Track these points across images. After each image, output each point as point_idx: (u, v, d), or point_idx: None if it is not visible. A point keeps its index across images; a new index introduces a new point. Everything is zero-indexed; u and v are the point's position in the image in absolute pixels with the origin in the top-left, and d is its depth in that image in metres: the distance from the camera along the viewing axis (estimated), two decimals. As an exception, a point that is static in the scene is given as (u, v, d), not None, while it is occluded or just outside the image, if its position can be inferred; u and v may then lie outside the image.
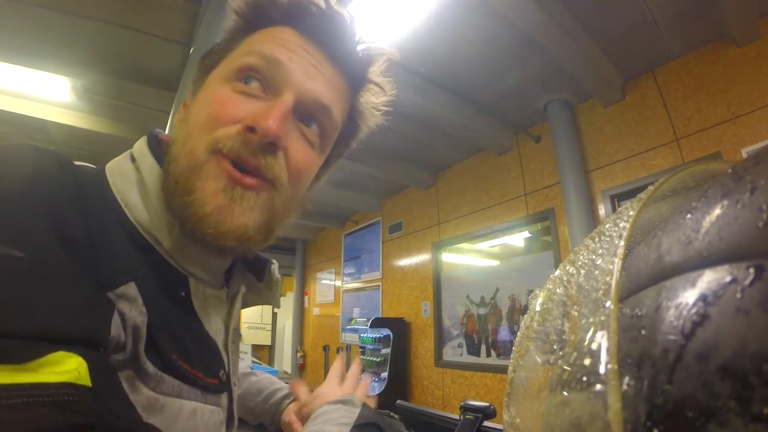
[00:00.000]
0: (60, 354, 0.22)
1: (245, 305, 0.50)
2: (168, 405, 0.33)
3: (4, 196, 0.27)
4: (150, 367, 0.32)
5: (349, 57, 0.45)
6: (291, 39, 0.41)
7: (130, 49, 2.30)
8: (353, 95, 0.47)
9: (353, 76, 0.46)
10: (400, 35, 1.99)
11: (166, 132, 0.44)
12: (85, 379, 0.23)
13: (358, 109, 0.48)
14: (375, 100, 0.49)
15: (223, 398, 0.42)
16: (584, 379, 0.17)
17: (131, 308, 0.31)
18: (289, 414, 0.64)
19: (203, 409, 0.37)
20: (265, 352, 7.09)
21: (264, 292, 0.51)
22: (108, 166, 0.40)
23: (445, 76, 2.46)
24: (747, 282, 0.13)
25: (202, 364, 0.38)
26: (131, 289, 0.31)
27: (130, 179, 0.38)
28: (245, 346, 4.73)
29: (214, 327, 0.43)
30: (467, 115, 2.72)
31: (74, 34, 2.18)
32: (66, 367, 0.22)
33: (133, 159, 0.41)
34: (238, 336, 0.49)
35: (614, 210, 2.37)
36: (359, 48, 0.45)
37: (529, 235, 3.30)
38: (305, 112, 0.41)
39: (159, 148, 0.41)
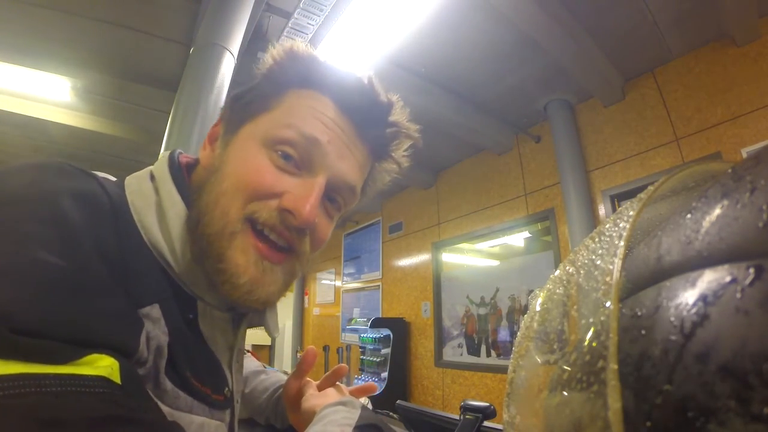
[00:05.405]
0: (95, 356, 0.24)
1: (249, 326, 0.51)
2: (180, 419, 0.35)
3: (51, 211, 0.28)
4: (168, 384, 0.34)
5: (379, 138, 0.47)
6: (329, 114, 0.42)
7: (130, 49, 2.30)
8: (372, 165, 0.49)
9: (378, 152, 0.48)
10: (401, 36, 1.99)
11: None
12: (117, 377, 0.25)
13: (372, 174, 0.50)
14: (388, 167, 0.51)
15: (227, 414, 0.44)
16: (584, 379, 0.17)
17: (155, 327, 0.33)
18: (289, 389, 0.58)
19: (210, 424, 0.39)
20: (265, 352, 7.09)
21: (264, 317, 0.51)
22: (127, 181, 0.41)
23: (446, 76, 2.46)
24: (747, 282, 0.13)
25: (210, 382, 0.39)
26: (155, 310, 0.33)
27: (149, 200, 0.39)
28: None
29: (220, 347, 0.44)
30: (467, 115, 2.72)
31: (74, 34, 2.18)
32: (101, 364, 0.24)
33: (152, 178, 0.41)
34: (242, 355, 0.51)
35: (614, 210, 2.37)
36: (389, 130, 0.47)
37: (529, 235, 3.30)
38: (332, 190, 0.44)
39: (180, 173, 0.43)
